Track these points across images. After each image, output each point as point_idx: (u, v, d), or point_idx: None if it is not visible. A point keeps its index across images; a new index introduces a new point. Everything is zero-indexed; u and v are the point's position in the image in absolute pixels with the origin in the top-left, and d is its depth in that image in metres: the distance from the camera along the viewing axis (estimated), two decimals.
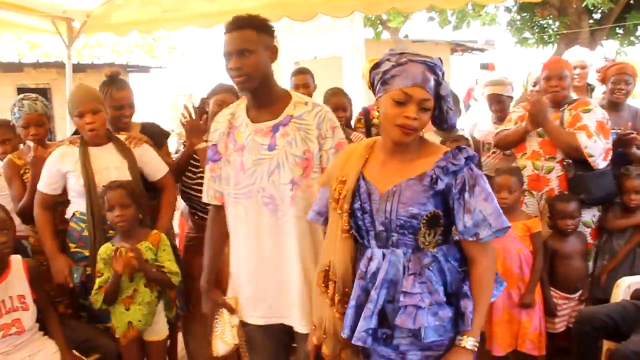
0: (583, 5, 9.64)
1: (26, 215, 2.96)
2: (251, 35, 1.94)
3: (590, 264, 3.17)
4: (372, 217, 1.72)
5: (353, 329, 1.71)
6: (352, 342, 1.71)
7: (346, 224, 1.76)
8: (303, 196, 2.01)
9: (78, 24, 4.76)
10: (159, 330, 2.73)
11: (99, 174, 2.71)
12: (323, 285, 1.81)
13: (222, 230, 2.18)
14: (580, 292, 3.09)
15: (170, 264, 2.63)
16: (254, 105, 2.07)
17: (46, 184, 2.77)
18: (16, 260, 2.57)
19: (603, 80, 3.71)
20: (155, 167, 2.90)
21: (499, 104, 3.90)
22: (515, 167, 3.23)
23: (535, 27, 11.48)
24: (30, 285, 2.56)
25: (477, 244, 1.68)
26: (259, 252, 2.06)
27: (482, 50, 16.07)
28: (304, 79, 3.94)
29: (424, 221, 1.65)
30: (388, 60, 1.68)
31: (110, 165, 2.74)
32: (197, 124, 2.94)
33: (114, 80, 3.05)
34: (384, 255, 1.72)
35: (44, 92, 10.86)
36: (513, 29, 11.32)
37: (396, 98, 1.63)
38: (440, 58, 1.70)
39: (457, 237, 1.74)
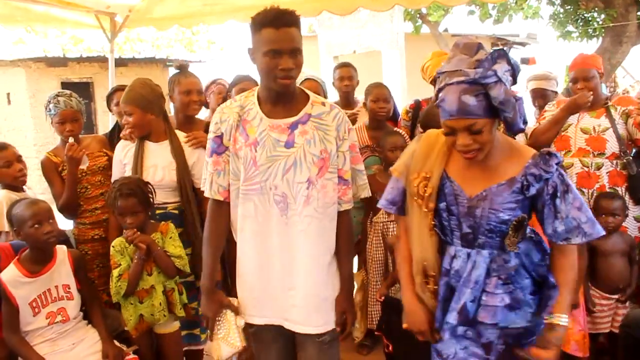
0: None
1: (67, 210, 3.04)
2: (298, 34, 1.89)
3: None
4: (459, 219, 1.76)
5: (440, 322, 1.83)
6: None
7: (432, 222, 1.79)
8: (317, 196, 1.97)
9: (120, 18, 4.85)
10: (169, 324, 2.73)
11: (147, 171, 2.75)
12: (424, 281, 1.86)
13: (223, 227, 2.10)
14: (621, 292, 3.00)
15: (173, 249, 2.65)
16: (271, 101, 1.99)
17: (115, 174, 2.88)
18: (61, 250, 2.63)
19: None
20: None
21: (543, 99, 3.81)
22: (614, 192, 3.12)
23: (579, 20, 11.14)
24: (74, 275, 2.61)
25: (566, 246, 1.74)
26: (266, 251, 2.01)
27: (523, 44, 15.73)
28: (348, 72, 3.96)
29: (512, 225, 1.69)
30: (438, 78, 1.69)
31: (158, 164, 2.77)
32: None
33: (182, 70, 3.15)
34: (468, 255, 1.77)
35: (86, 86, 11.14)
36: (556, 22, 11.01)
37: (445, 131, 1.68)
38: (495, 50, 1.64)
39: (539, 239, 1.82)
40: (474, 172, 1.73)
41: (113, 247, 2.64)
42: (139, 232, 2.57)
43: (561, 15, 10.98)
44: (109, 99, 3.54)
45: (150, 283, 2.63)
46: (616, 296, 2.99)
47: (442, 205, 1.76)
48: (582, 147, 3.11)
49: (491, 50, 1.63)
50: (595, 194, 3.07)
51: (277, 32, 1.83)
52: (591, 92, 3.04)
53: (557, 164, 1.66)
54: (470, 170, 1.74)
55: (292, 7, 1.90)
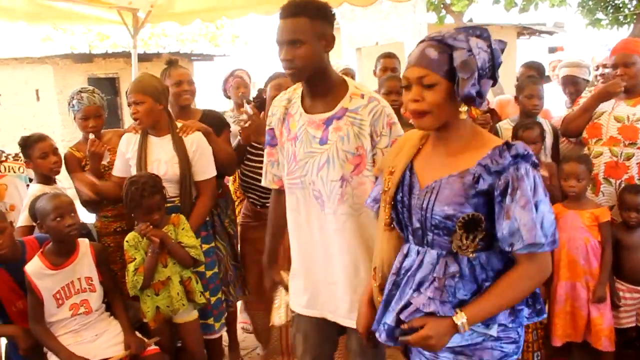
0: None
1: (90, 205, 3.08)
2: (304, 24, 1.84)
3: None
4: (410, 212, 1.61)
5: (379, 323, 1.66)
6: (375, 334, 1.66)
7: (387, 217, 1.67)
8: (353, 193, 1.94)
9: (143, 14, 4.88)
10: (188, 312, 2.77)
11: (150, 165, 2.79)
12: (374, 277, 1.75)
13: (280, 213, 2.17)
14: None
15: (187, 239, 2.69)
16: (309, 95, 1.99)
17: (117, 168, 2.92)
18: (84, 243, 2.67)
19: None
20: (202, 167, 2.87)
21: (574, 86, 3.73)
22: (584, 154, 3.08)
23: (609, 7, 10.89)
24: (97, 268, 2.66)
25: (522, 255, 1.49)
26: (309, 244, 2.05)
27: (550, 33, 15.41)
28: (392, 63, 3.88)
29: (460, 224, 1.49)
30: None
31: (161, 158, 2.80)
32: (261, 123, 2.88)
33: (172, 64, 3.22)
34: (418, 253, 1.61)
35: (112, 81, 11.29)
36: (585, 9, 10.78)
37: (402, 83, 1.56)
38: (475, 26, 1.54)
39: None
40: (434, 163, 1.59)
41: (127, 242, 2.67)
42: (151, 226, 2.61)
43: (590, 3, 10.74)
44: (128, 95, 3.58)
45: (167, 274, 2.67)
46: None
47: (399, 197, 1.63)
48: (614, 135, 3.02)
49: (475, 30, 1.52)
50: (623, 185, 2.99)
51: (281, 22, 1.87)
52: (624, 81, 2.96)
53: (515, 156, 1.46)
54: (432, 160, 1.61)
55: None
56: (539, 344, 2.98)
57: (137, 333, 2.68)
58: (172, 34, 17.91)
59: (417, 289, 1.56)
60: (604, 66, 3.82)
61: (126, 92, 3.55)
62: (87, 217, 3.26)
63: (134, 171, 2.81)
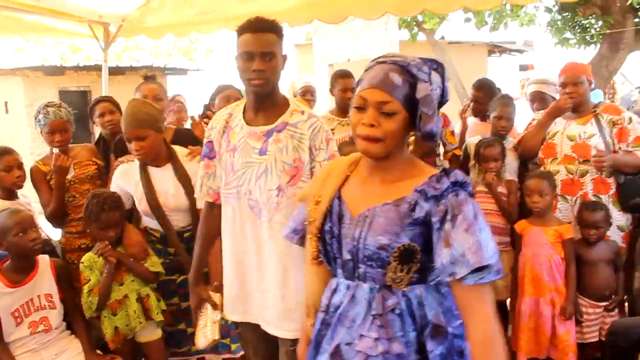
0: (628, 3, 9.34)
1: (55, 219, 3.04)
2: (274, 39, 1.97)
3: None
4: (340, 242, 1.50)
5: None
6: None
7: (314, 250, 1.57)
8: (288, 203, 1.99)
9: (114, 28, 4.86)
10: (151, 331, 2.72)
11: (160, 199, 2.67)
12: (307, 314, 1.67)
13: (213, 228, 2.20)
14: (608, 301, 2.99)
15: (148, 258, 2.67)
16: (252, 108, 2.07)
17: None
18: (43, 259, 2.63)
19: None
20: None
21: (541, 103, 3.82)
22: (547, 171, 3.15)
23: (577, 27, 11.16)
24: (57, 284, 2.62)
25: (465, 289, 1.37)
26: (243, 253, 2.09)
27: (520, 51, 15.77)
28: (351, 83, 3.80)
29: (395, 255, 1.41)
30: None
31: (168, 190, 2.67)
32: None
33: (146, 79, 3.24)
34: (348, 288, 1.51)
35: (84, 94, 11.16)
36: (553, 29, 11.03)
37: (355, 104, 1.46)
38: (435, 60, 1.48)
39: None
40: (367, 191, 1.51)
41: (82, 262, 2.64)
42: (109, 246, 2.58)
43: (558, 22, 11.00)
44: (92, 110, 3.50)
45: (123, 292, 2.64)
46: (604, 304, 2.97)
47: (327, 227, 1.52)
48: (568, 154, 3.11)
49: (434, 64, 1.46)
50: (578, 202, 3.06)
51: (252, 36, 1.94)
52: (573, 98, 3.08)
53: (454, 183, 1.39)
54: (364, 188, 1.52)
55: (283, 16, 2.00)
56: None
57: (99, 352, 2.64)
58: (145, 47, 17.83)
59: (351, 326, 1.48)
60: None
61: (90, 109, 3.50)
62: (52, 234, 3.21)
63: (137, 203, 2.71)
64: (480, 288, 1.37)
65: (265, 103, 2.04)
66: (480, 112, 3.87)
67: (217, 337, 2.27)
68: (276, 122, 2.03)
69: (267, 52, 1.94)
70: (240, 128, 2.07)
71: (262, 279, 2.07)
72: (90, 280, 2.60)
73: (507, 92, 4.31)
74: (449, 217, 1.37)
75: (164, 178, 2.68)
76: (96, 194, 2.62)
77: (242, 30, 1.98)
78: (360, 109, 1.44)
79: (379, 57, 1.50)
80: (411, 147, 3.08)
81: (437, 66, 1.46)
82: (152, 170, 2.68)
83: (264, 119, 2.04)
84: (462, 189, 1.40)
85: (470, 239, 1.33)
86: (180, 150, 2.77)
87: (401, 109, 1.41)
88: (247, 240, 2.07)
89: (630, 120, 3.08)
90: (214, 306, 2.27)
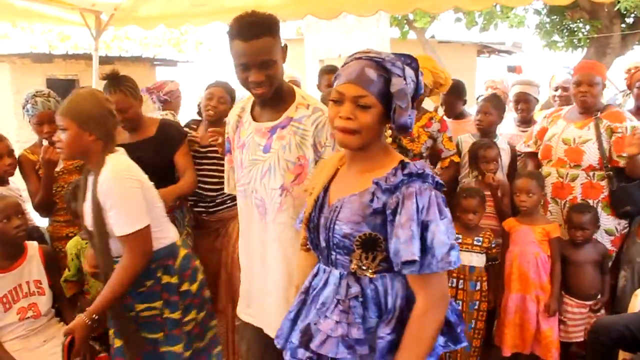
0: (615, 8, 9.45)
1: (43, 209, 3.02)
2: (270, 44, 1.83)
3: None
4: (318, 230, 1.61)
5: (286, 341, 1.68)
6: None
7: (303, 237, 1.68)
8: (293, 203, 1.93)
9: (106, 16, 4.82)
10: None
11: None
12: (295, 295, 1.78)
13: None
14: (594, 300, 3.04)
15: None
16: (259, 103, 2.02)
17: None
18: (32, 246, 2.63)
19: (630, 86, 3.64)
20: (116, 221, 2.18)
21: (525, 104, 3.86)
22: (536, 171, 3.19)
23: (565, 31, 11.28)
24: (46, 271, 2.61)
25: (414, 278, 1.47)
26: (249, 252, 2.07)
27: (509, 52, 15.88)
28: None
29: (358, 243, 1.49)
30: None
31: (86, 208, 2.36)
32: None
33: (108, 83, 2.72)
34: (324, 272, 1.62)
35: (72, 83, 11.04)
36: (542, 31, 11.14)
37: (332, 97, 1.54)
38: (409, 55, 1.54)
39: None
40: (344, 182, 1.60)
41: (68, 249, 2.66)
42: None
43: (547, 25, 11.10)
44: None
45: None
46: (589, 303, 3.01)
47: (312, 216, 1.63)
48: (561, 157, 3.12)
49: (408, 59, 1.53)
50: (567, 205, 3.10)
51: (245, 45, 1.81)
52: (587, 98, 3.06)
53: (409, 174, 1.46)
54: (343, 179, 1.62)
55: (276, 11, 1.90)
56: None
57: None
58: (135, 37, 17.66)
59: (320, 308, 1.58)
60: (564, 88, 3.94)
61: None
62: (40, 221, 3.20)
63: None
64: (426, 278, 1.45)
65: (271, 98, 1.94)
66: (453, 112, 3.94)
67: None
68: (281, 117, 1.95)
69: (265, 61, 1.83)
70: (248, 124, 2.03)
71: (266, 281, 2.02)
72: (69, 270, 2.62)
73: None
74: (399, 209, 1.44)
75: (89, 189, 2.19)
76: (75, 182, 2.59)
77: (232, 35, 1.84)
78: (338, 102, 1.52)
79: (355, 53, 1.56)
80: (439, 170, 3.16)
81: (411, 61, 1.53)
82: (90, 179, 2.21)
83: (270, 115, 1.98)
84: (419, 180, 1.47)
85: (404, 234, 1.41)
86: (124, 169, 2.18)
87: (376, 103, 1.49)
88: (253, 240, 2.03)
89: (637, 130, 2.93)
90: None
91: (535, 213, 3.05)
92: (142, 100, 2.86)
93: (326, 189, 1.65)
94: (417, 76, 1.53)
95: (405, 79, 1.49)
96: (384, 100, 1.49)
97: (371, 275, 1.52)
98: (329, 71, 3.95)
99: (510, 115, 4.08)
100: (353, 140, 1.52)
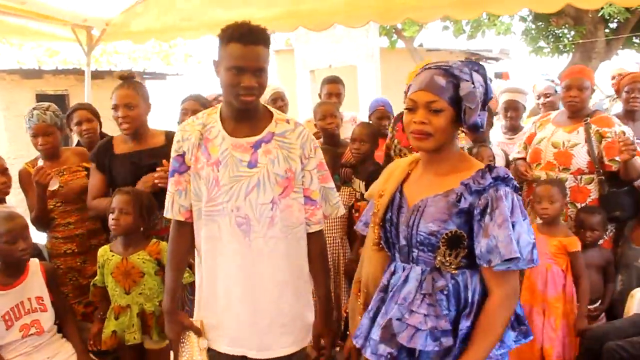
0: (599, 14, 9.61)
1: (39, 224, 3.03)
2: (264, 52, 1.85)
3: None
4: (397, 230, 1.71)
5: (366, 339, 1.73)
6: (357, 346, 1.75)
7: (376, 237, 1.79)
8: (282, 216, 1.91)
9: (97, 32, 4.86)
10: (156, 340, 2.62)
11: None
12: (357, 293, 1.86)
13: (185, 248, 2.06)
14: (595, 305, 3.03)
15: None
16: (233, 119, 1.93)
17: None
18: (34, 262, 2.62)
19: (617, 91, 3.71)
20: None
21: (515, 112, 3.93)
22: (557, 178, 3.10)
23: (550, 37, 11.45)
24: (47, 287, 2.61)
25: (493, 274, 1.58)
26: (229, 274, 1.95)
27: (496, 59, 16.02)
28: (337, 88, 3.95)
29: (444, 240, 1.60)
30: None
31: None
32: None
33: (124, 80, 2.82)
34: (403, 270, 1.70)
35: (62, 99, 11.00)
36: (528, 38, 11.30)
37: (406, 106, 1.67)
38: (476, 62, 1.69)
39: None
40: (423, 184, 1.70)
41: (98, 256, 2.67)
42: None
43: (533, 32, 11.27)
44: (69, 118, 3.48)
45: (127, 302, 2.57)
46: (589, 308, 2.95)
47: (388, 216, 1.74)
48: (550, 160, 3.15)
49: (475, 65, 1.66)
50: None
51: (244, 48, 1.80)
52: (576, 102, 3.09)
53: (496, 178, 1.58)
54: (420, 182, 1.72)
55: (268, 23, 1.89)
56: None
57: (91, 355, 2.64)
58: (124, 51, 17.65)
59: (402, 303, 1.65)
60: (546, 95, 4.05)
61: (67, 117, 3.48)
62: (38, 237, 3.20)
63: None
64: (504, 274, 1.57)
65: (250, 113, 1.93)
66: None
67: None
68: (263, 132, 1.92)
69: (259, 68, 1.83)
70: (221, 139, 1.92)
71: (252, 300, 1.94)
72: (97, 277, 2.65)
73: None
74: (489, 210, 1.56)
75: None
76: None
77: (230, 38, 1.81)
78: (411, 110, 1.65)
79: (426, 64, 1.70)
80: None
81: (478, 67, 1.66)
82: None
83: (248, 129, 1.92)
84: (503, 184, 1.59)
85: (503, 234, 1.53)
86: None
87: (447, 107, 1.60)
88: (235, 260, 1.93)
89: (623, 135, 2.96)
90: (198, 333, 2.03)
91: (556, 223, 2.95)
92: (151, 108, 2.85)
93: (400, 192, 1.75)
94: (485, 81, 1.65)
95: (473, 82, 1.61)
96: (454, 104, 1.60)
97: (453, 271, 1.62)
98: (330, 81, 4.06)
99: (498, 123, 4.16)
100: (427, 143, 1.63)
